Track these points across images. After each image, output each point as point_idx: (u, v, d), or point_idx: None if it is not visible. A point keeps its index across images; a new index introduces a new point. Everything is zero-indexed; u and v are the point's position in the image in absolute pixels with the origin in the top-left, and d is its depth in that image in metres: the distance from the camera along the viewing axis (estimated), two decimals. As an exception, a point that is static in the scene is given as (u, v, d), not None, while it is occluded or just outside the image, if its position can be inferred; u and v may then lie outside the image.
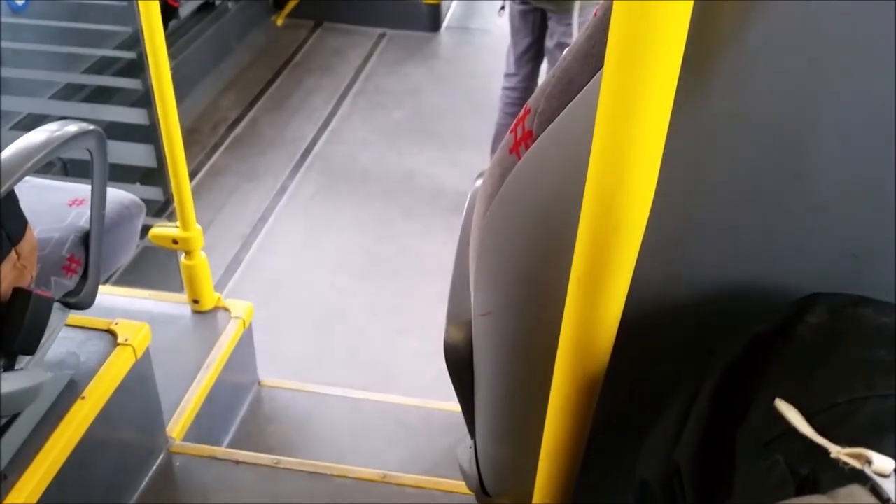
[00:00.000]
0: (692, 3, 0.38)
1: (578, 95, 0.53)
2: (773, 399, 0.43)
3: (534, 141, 0.59)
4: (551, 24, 2.67)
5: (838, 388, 0.43)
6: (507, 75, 2.90)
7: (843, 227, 0.55)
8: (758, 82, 0.48)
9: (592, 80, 0.52)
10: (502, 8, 2.81)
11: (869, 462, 0.36)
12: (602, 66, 0.42)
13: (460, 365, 0.88)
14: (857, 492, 0.35)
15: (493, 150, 3.02)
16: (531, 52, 2.81)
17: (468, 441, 1.04)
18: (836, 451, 0.37)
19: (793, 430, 0.40)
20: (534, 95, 0.61)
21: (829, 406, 0.42)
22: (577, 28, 2.60)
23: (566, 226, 0.52)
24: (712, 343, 0.54)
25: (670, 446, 0.52)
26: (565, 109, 0.55)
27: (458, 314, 0.88)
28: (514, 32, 2.82)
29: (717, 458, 0.47)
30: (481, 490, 0.98)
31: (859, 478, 0.36)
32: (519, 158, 0.61)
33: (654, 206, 0.45)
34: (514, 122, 0.62)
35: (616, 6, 0.39)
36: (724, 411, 0.49)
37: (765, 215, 0.55)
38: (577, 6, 2.53)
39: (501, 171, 0.63)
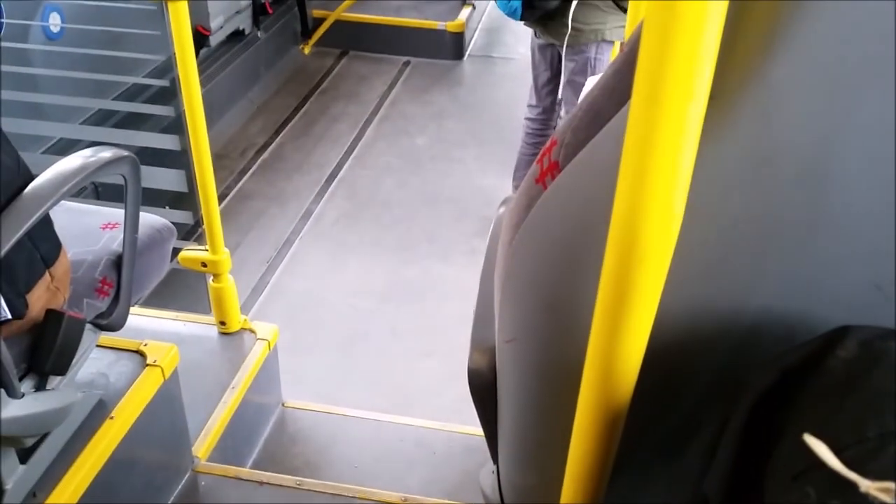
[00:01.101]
0: (719, 40, 0.39)
1: (604, 128, 0.55)
2: (802, 432, 0.42)
3: (560, 172, 0.60)
4: (565, 60, 2.71)
5: (868, 422, 0.42)
6: (530, 106, 2.95)
7: (868, 258, 0.55)
8: (782, 117, 0.49)
9: (618, 114, 0.53)
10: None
11: None
12: (628, 99, 0.43)
13: (484, 390, 0.88)
14: None
15: (516, 178, 3.05)
16: (551, 85, 2.85)
17: (491, 466, 1.04)
18: (865, 485, 0.37)
19: (822, 464, 0.40)
20: (560, 127, 0.62)
21: (859, 440, 0.41)
22: (566, 63, 2.63)
23: (591, 255, 0.53)
24: (737, 374, 0.55)
25: (699, 477, 0.52)
26: (591, 142, 0.56)
27: (482, 340, 0.89)
28: (534, 66, 2.86)
29: (746, 490, 0.47)
30: (504, 516, 0.98)
31: None
32: (545, 189, 0.62)
33: (679, 238, 0.46)
34: (541, 153, 0.64)
35: (643, 42, 0.40)
36: (753, 443, 0.49)
37: (789, 247, 0.55)
38: (565, 41, 2.56)
39: (527, 201, 0.64)
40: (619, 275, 0.47)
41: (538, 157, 0.64)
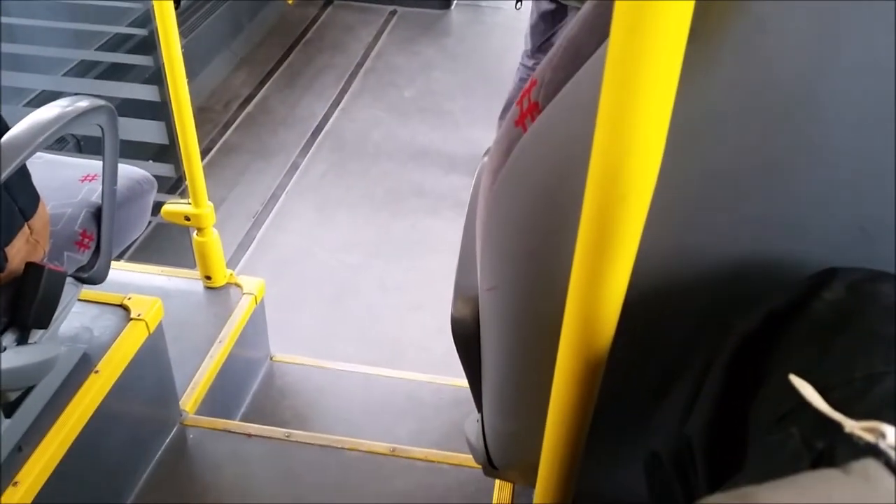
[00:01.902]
0: None
1: (584, 66, 0.53)
2: (788, 374, 0.42)
3: (540, 112, 0.58)
4: (571, 18, 2.66)
5: (855, 364, 0.42)
6: (526, 55, 2.90)
7: (852, 199, 0.54)
8: (765, 52, 0.47)
9: (599, 50, 0.52)
10: (519, 0, 2.80)
11: (883, 436, 0.35)
12: (608, 35, 0.41)
13: (467, 339, 0.88)
14: (871, 465, 0.34)
15: (501, 119, 3.02)
16: (550, 41, 2.81)
17: (475, 415, 1.05)
18: (850, 425, 0.37)
19: (807, 405, 0.40)
20: (540, 66, 0.61)
21: (846, 381, 0.41)
22: None
23: (572, 198, 0.52)
24: (720, 317, 0.54)
25: (682, 419, 0.52)
26: (571, 80, 0.54)
27: (465, 289, 0.89)
28: (533, 26, 2.81)
29: (729, 432, 0.47)
30: (488, 463, 0.99)
31: (874, 452, 0.35)
32: (525, 131, 0.61)
33: (659, 178, 0.45)
34: (521, 93, 0.62)
35: (623, -26, 0.38)
36: (738, 386, 0.49)
37: (773, 188, 0.54)
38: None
39: (507, 144, 0.63)
40: (599, 216, 0.46)
41: (518, 98, 0.62)
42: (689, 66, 0.41)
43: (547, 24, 2.76)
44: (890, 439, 0.35)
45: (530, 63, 2.88)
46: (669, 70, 0.40)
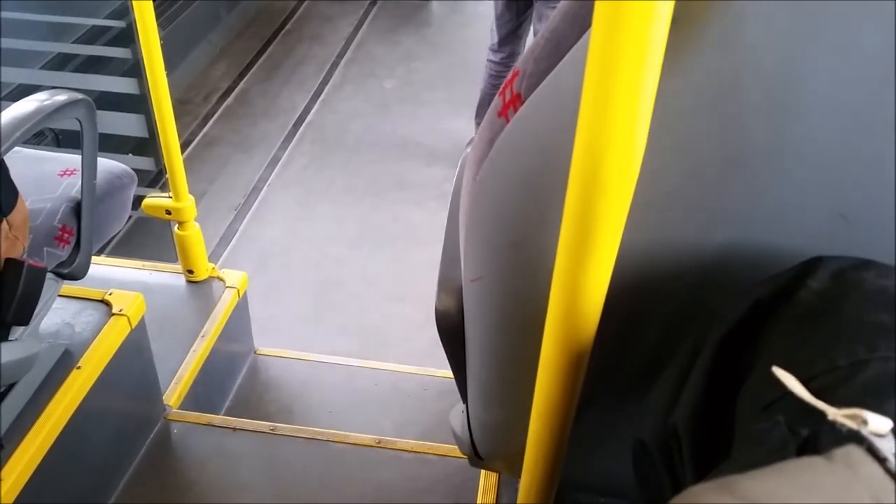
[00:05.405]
0: None
1: (567, 56, 0.53)
2: (774, 362, 0.42)
3: (522, 103, 0.58)
4: (539, 6, 2.66)
5: (839, 351, 0.42)
6: (492, 49, 2.89)
7: (832, 187, 0.55)
8: (746, 42, 0.47)
9: (581, 41, 0.52)
10: None
11: (865, 422, 0.36)
12: (589, 27, 0.41)
13: (452, 331, 0.88)
14: (853, 452, 0.35)
15: (477, 117, 3.03)
16: (517, 31, 2.81)
17: (461, 406, 1.05)
18: (832, 412, 0.37)
19: (792, 393, 0.40)
20: (522, 57, 0.61)
21: (830, 369, 0.41)
22: (545, 12, 2.61)
23: (555, 188, 0.52)
24: (703, 305, 0.55)
25: (668, 408, 0.53)
26: (553, 71, 0.54)
27: (449, 280, 0.89)
28: (498, 17, 2.80)
29: (716, 421, 0.48)
30: (474, 453, 0.99)
31: (857, 438, 0.36)
32: (507, 122, 0.61)
33: (641, 168, 0.45)
34: (503, 85, 0.62)
35: (603, -35, 0.38)
36: (724, 374, 0.49)
37: (753, 176, 0.55)
38: None
39: (490, 135, 0.63)
40: (582, 206, 0.46)
41: (500, 89, 0.62)
42: (669, 57, 0.41)
43: (512, 13, 2.75)
44: (872, 426, 0.36)
45: (497, 57, 2.88)
46: (651, 61, 0.40)
